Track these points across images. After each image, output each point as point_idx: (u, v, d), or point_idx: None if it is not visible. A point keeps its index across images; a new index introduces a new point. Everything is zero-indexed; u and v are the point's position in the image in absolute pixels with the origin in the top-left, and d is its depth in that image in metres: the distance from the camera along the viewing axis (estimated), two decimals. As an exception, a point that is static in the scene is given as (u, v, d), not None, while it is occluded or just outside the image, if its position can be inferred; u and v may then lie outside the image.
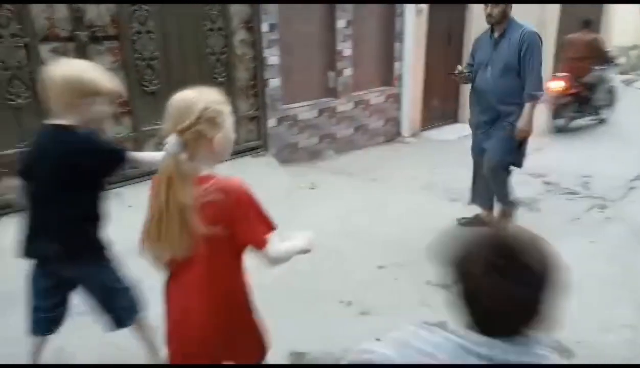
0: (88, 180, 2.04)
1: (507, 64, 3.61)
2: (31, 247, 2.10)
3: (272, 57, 5.40)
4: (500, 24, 3.64)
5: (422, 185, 5.21)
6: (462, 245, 1.09)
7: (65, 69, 1.93)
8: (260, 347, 1.84)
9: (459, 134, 6.97)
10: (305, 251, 1.74)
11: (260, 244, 1.58)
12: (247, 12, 5.09)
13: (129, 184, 4.48)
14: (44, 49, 3.84)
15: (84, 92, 1.90)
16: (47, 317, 2.21)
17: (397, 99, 7.07)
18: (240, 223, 1.56)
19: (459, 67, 3.89)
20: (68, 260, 2.08)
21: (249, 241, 1.59)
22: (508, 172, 3.87)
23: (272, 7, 5.24)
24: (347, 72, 6.27)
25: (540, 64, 3.57)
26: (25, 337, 2.31)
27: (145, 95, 4.50)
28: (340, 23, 5.98)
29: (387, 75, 6.92)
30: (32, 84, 3.80)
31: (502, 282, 0.98)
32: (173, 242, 1.52)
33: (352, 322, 2.89)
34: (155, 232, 1.54)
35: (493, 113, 3.76)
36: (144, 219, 1.62)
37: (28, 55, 3.75)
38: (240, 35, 5.11)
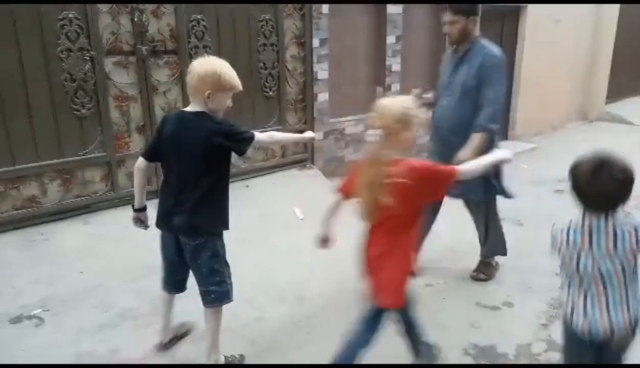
0: (224, 158, 2.39)
1: (465, 90, 3.14)
2: (165, 220, 2.42)
3: (322, 71, 5.47)
4: (462, 44, 3.18)
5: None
6: (575, 163, 1.83)
7: (207, 64, 2.30)
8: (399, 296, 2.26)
9: (510, 151, 6.81)
10: (504, 161, 2.30)
11: (451, 175, 2.12)
12: (299, 27, 5.19)
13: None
14: (108, 62, 4.04)
15: (220, 86, 2.27)
16: (171, 280, 2.60)
17: (445, 114, 6.98)
18: (429, 184, 2.08)
19: (414, 90, 3.41)
20: (190, 231, 2.39)
21: (444, 184, 2.13)
22: (492, 209, 3.44)
23: (324, 23, 5.32)
24: (395, 87, 6.26)
25: (501, 94, 3.13)
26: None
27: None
28: (390, 38, 5.99)
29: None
30: (95, 95, 4.01)
31: (597, 181, 1.76)
32: (368, 208, 2.10)
33: (395, 339, 2.85)
34: (359, 200, 2.12)
35: (445, 145, 3.24)
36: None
37: (93, 67, 3.95)
38: (292, 50, 5.21)
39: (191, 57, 4.47)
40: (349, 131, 5.93)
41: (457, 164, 3.00)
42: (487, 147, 3.09)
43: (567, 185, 1.91)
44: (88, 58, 3.91)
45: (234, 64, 4.73)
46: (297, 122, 5.46)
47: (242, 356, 2.69)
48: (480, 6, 3.28)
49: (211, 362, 2.52)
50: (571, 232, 1.86)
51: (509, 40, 7.67)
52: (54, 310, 3.11)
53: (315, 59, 5.36)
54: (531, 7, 7.57)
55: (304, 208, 4.78)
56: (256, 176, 5.16)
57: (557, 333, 2.91)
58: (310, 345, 2.80)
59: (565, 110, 9.15)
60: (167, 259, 2.55)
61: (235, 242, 4.01)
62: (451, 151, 3.14)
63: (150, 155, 2.47)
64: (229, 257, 3.77)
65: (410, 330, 2.42)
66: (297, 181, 5.34)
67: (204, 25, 4.48)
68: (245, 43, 4.83)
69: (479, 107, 3.11)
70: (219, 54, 4.62)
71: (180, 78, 4.45)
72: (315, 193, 5.18)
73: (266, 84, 5.07)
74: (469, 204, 3.51)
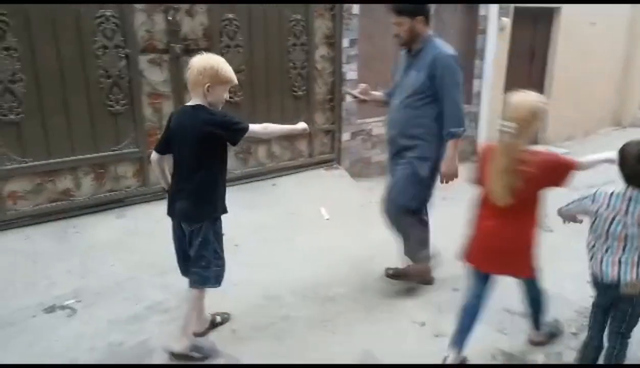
0: (218, 148, 2.52)
1: (415, 90, 3.03)
2: (171, 207, 2.62)
3: (351, 72, 5.46)
4: (413, 45, 3.05)
5: (499, 207, 5.03)
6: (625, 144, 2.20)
7: (206, 60, 2.43)
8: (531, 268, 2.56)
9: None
10: (611, 160, 2.31)
11: (572, 167, 2.32)
12: (330, 27, 5.19)
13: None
14: (143, 60, 4.12)
15: (218, 79, 2.42)
16: (182, 265, 2.75)
17: (474, 117, 6.91)
18: (553, 173, 2.32)
19: (345, 89, 3.29)
20: (187, 217, 2.57)
21: (565, 174, 2.32)
22: (415, 217, 3.30)
23: (354, 23, 5.32)
24: (424, 88, 6.21)
25: (459, 94, 3.00)
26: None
27: (229, 106, 4.69)
28: (420, 39, 5.94)
29: (466, 93, 6.72)
30: (129, 92, 4.10)
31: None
32: (501, 192, 2.30)
33: (425, 342, 2.84)
34: (491, 183, 2.34)
35: (396, 146, 3.21)
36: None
37: (128, 65, 4.03)
38: (322, 50, 5.22)
39: (222, 56, 4.51)
40: (377, 132, 5.91)
41: (441, 176, 3.13)
42: (436, 147, 3.13)
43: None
44: (123, 55, 3.99)
45: (264, 63, 4.83)
46: (325, 122, 5.47)
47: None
48: (429, 5, 3.14)
49: (177, 349, 2.62)
50: (613, 197, 2.22)
51: (542, 43, 7.53)
52: (86, 301, 3.19)
53: (344, 59, 5.36)
54: (565, 10, 7.41)
55: (330, 209, 4.79)
56: (283, 175, 5.19)
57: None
58: (336, 345, 2.80)
59: (598, 115, 8.93)
60: (175, 245, 2.69)
61: (262, 240, 4.07)
62: (400, 152, 3.17)
63: (162, 148, 2.63)
64: (257, 254, 3.83)
65: (536, 301, 2.70)
66: (323, 181, 5.35)
67: (236, 25, 4.53)
68: (276, 43, 4.86)
69: (441, 111, 3.01)
70: (250, 53, 4.70)
71: (212, 76, 4.51)
72: (341, 193, 5.18)
73: (295, 83, 5.09)
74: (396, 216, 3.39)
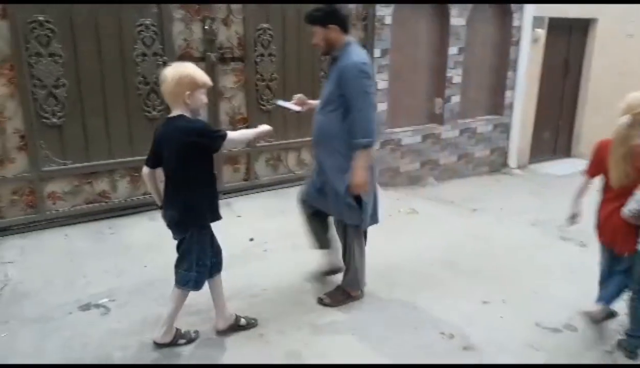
0: (202, 157, 2.58)
1: (328, 100, 2.95)
2: (164, 215, 2.72)
3: (382, 81, 5.49)
4: (332, 52, 2.95)
5: (531, 221, 4.96)
6: None
7: (179, 69, 2.49)
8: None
9: (572, 169, 6.57)
10: None
11: None
12: (362, 37, 5.23)
13: (239, 195, 4.77)
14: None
15: (195, 84, 2.48)
16: None
17: (505, 128, 6.84)
18: None
19: (274, 100, 3.17)
20: (179, 225, 2.68)
21: None
22: (356, 236, 3.19)
23: (386, 33, 5.35)
24: (455, 99, 6.19)
25: (368, 103, 2.85)
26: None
27: (261, 114, 4.78)
28: (452, 50, 5.93)
29: (497, 104, 6.73)
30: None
31: None
32: (618, 175, 2.70)
33: (454, 355, 2.82)
34: (610, 170, 2.74)
35: (315, 156, 3.17)
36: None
37: (165, 72, 4.15)
38: (353, 59, 5.26)
39: (256, 65, 4.62)
40: (406, 142, 5.91)
41: (349, 187, 2.95)
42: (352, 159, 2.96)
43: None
44: (161, 63, 4.11)
45: (296, 72, 4.89)
46: (355, 131, 5.49)
47: (196, 333, 2.91)
48: (345, 12, 2.99)
49: (161, 341, 2.77)
50: None
51: (577, 55, 7.41)
52: (120, 301, 3.27)
53: (375, 69, 5.39)
54: (602, 21, 7.28)
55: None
56: (312, 182, 5.22)
57: (622, 360, 2.79)
58: (362, 355, 2.80)
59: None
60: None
61: (290, 246, 4.11)
62: (320, 162, 3.13)
63: (151, 162, 2.66)
64: (285, 260, 3.86)
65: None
66: (352, 189, 5.35)
67: (270, 34, 4.62)
68: (309, 52, 4.92)
69: (349, 122, 2.87)
70: (283, 62, 4.77)
71: (245, 85, 4.60)
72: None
73: (326, 92, 5.14)
74: (337, 225, 3.28)
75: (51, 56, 3.69)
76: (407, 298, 3.39)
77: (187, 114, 2.52)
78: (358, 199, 3.02)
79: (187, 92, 2.46)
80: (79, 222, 3.99)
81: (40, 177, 3.82)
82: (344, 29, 2.94)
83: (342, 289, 3.30)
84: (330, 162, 3.01)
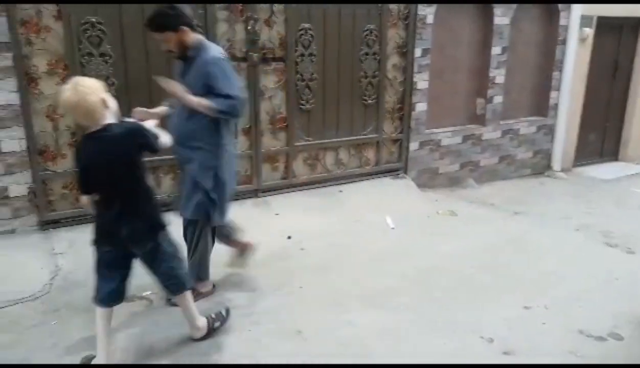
0: (141, 159, 2.47)
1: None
2: (110, 236, 2.56)
3: (422, 81, 5.44)
4: (187, 53, 2.93)
5: (575, 225, 4.82)
6: None
7: (79, 86, 2.28)
8: None
9: (619, 173, 6.35)
10: None
11: None
12: (403, 37, 5.21)
13: (277, 194, 4.82)
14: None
15: (99, 89, 2.32)
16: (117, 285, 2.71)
17: (550, 130, 6.65)
18: None
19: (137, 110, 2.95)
20: (146, 232, 2.58)
21: None
22: (199, 235, 3.15)
23: (427, 33, 5.30)
24: (498, 99, 6.07)
25: (233, 88, 2.88)
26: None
27: (300, 113, 4.83)
28: (496, 50, 5.83)
29: (542, 105, 6.56)
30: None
31: None
32: None
33: (494, 360, 2.77)
34: None
35: (179, 158, 3.12)
36: None
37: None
38: (393, 59, 5.24)
39: (297, 65, 4.67)
40: (446, 142, 5.84)
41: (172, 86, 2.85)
42: (217, 156, 3.00)
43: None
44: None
45: (336, 72, 4.91)
46: (394, 131, 5.47)
47: (227, 309, 3.01)
48: (185, 11, 2.90)
49: (198, 335, 2.84)
50: None
51: (627, 55, 7.12)
52: (162, 294, 3.37)
53: (415, 69, 5.35)
54: (655, 19, 6.98)
55: (395, 218, 4.78)
56: (349, 182, 5.24)
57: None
58: (400, 356, 2.79)
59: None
60: (106, 273, 2.67)
61: (327, 245, 4.14)
62: (181, 163, 3.10)
63: (88, 188, 2.52)
64: (322, 259, 3.89)
65: None
66: (389, 190, 5.35)
67: (311, 34, 4.66)
68: (349, 52, 4.94)
69: (217, 119, 2.92)
70: (323, 62, 4.80)
71: (286, 85, 4.65)
72: (407, 203, 5.16)
73: (366, 92, 5.14)
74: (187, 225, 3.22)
75: (102, 56, 3.84)
76: (445, 300, 3.36)
77: (114, 120, 2.38)
78: (210, 197, 3.04)
79: (103, 97, 2.31)
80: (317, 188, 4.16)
81: (90, 172, 3.98)
82: (192, 27, 2.93)
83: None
84: (197, 159, 2.99)
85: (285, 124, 4.76)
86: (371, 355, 2.77)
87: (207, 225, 3.18)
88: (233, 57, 4.35)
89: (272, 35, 4.50)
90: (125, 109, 3.95)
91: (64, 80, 3.76)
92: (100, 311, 2.60)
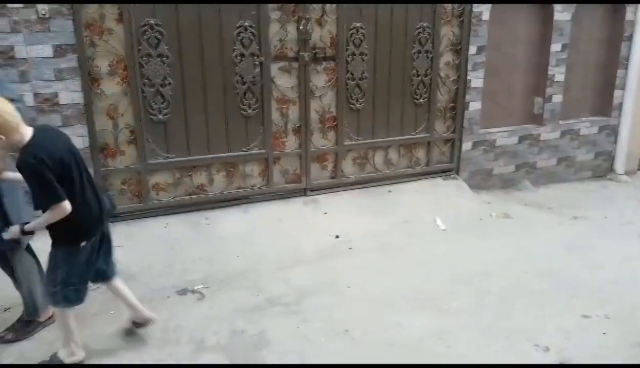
0: None
1: None
2: (97, 228, 2.65)
3: (476, 79, 5.29)
4: None
5: (639, 232, 4.54)
6: None
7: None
8: None
9: None
10: None
11: None
12: (457, 34, 5.08)
13: (326, 193, 4.83)
14: (274, 67, 4.37)
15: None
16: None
17: (613, 130, 6.31)
18: None
19: None
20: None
21: None
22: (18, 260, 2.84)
23: (483, 30, 5.15)
24: (557, 98, 5.81)
25: None
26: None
27: (350, 113, 4.81)
28: (555, 47, 5.58)
29: (604, 105, 6.22)
30: (260, 97, 4.37)
31: None
32: None
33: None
34: None
35: None
36: None
37: (261, 72, 4.31)
38: (446, 57, 5.12)
39: (347, 64, 4.65)
40: (501, 142, 5.65)
41: None
42: None
43: None
44: (257, 63, 4.27)
45: (387, 71, 4.86)
46: (445, 130, 5.35)
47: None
48: None
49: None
50: None
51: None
52: (213, 288, 3.46)
53: (470, 67, 5.21)
54: None
55: (446, 220, 4.68)
56: (399, 182, 5.17)
57: None
58: (450, 360, 2.73)
59: None
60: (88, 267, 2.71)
61: (376, 245, 4.11)
62: None
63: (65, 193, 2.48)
64: (370, 259, 3.87)
65: None
66: (440, 191, 5.24)
67: (362, 33, 4.62)
68: (400, 50, 4.87)
69: None
70: (374, 61, 4.76)
71: (336, 84, 4.65)
72: (458, 205, 5.04)
73: (417, 91, 5.05)
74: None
75: (159, 57, 3.97)
76: (499, 306, 3.25)
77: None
78: None
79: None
80: (178, 212, 4.26)
81: (146, 169, 4.13)
82: None
83: (25, 320, 2.95)
84: None
85: (335, 123, 4.76)
86: (420, 360, 2.72)
87: (16, 252, 2.83)
88: (284, 57, 4.41)
89: (324, 35, 4.50)
90: (182, 108, 4.13)
91: (124, 80, 3.94)
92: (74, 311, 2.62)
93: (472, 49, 5.16)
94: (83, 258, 2.55)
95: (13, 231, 2.49)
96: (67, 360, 2.65)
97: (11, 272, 2.89)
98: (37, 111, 3.67)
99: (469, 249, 4.12)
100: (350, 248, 4.11)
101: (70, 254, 2.51)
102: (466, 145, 5.47)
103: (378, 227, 4.46)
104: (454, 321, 3.09)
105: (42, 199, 2.34)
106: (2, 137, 2.26)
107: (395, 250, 4.06)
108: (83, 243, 2.51)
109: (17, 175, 2.40)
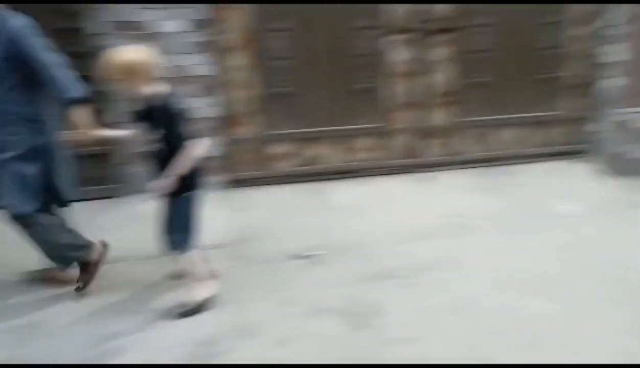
0: None
1: None
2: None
3: (617, 53, 4.77)
4: None
5: None
6: None
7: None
8: None
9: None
10: None
11: None
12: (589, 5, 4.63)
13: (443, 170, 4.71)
14: (392, 40, 4.34)
15: None
16: None
17: None
18: None
19: None
20: None
21: None
22: (34, 223, 2.81)
23: (625, -4, 4.62)
24: None
25: (54, 56, 2.60)
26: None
27: (471, 88, 4.60)
28: None
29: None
30: (378, 71, 4.35)
31: None
32: None
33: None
34: None
35: None
36: None
37: (379, 45, 4.31)
38: (578, 29, 4.68)
39: (469, 36, 4.46)
40: (641, 124, 5.06)
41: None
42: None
43: None
44: (375, 35, 4.27)
45: (513, 44, 4.57)
46: (579, 108, 4.92)
47: None
48: None
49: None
50: None
51: None
52: (329, 255, 3.53)
53: (608, 39, 4.71)
54: None
55: (574, 204, 4.32)
56: (523, 163, 4.87)
57: None
58: (575, 350, 2.53)
59: None
60: None
61: (495, 226, 3.91)
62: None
63: None
64: (488, 240, 3.71)
65: None
66: (569, 174, 4.84)
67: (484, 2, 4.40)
68: (527, 22, 4.54)
69: (31, 94, 2.68)
70: (498, 33, 4.50)
71: (457, 57, 4.48)
72: (588, 189, 4.63)
73: (546, 65, 4.69)
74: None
75: (285, 31, 4.11)
76: (630, 300, 2.94)
77: None
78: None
79: None
80: (296, 182, 4.42)
81: (269, 139, 4.33)
82: None
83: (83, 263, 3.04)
84: (13, 147, 2.71)
85: (454, 98, 4.59)
86: (542, 345, 2.56)
87: (38, 216, 2.86)
88: (403, 30, 4.33)
89: (444, 6, 4.34)
90: (302, 82, 4.25)
91: (250, 54, 4.14)
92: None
93: (613, 19, 4.66)
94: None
95: (164, 183, 2.66)
96: (204, 296, 2.89)
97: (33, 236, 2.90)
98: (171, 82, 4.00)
99: (598, 238, 3.76)
100: (469, 227, 3.96)
101: (192, 199, 2.81)
102: (602, 126, 4.98)
103: (499, 207, 4.24)
104: (581, 309, 2.84)
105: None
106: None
107: (516, 232, 3.84)
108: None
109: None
